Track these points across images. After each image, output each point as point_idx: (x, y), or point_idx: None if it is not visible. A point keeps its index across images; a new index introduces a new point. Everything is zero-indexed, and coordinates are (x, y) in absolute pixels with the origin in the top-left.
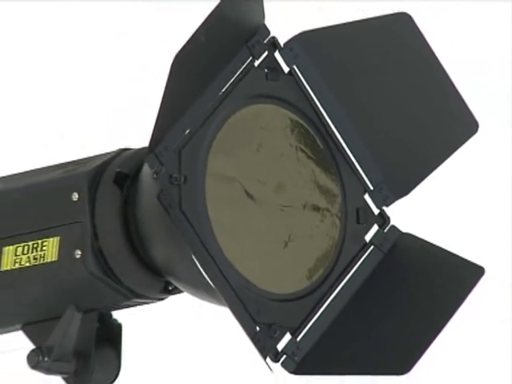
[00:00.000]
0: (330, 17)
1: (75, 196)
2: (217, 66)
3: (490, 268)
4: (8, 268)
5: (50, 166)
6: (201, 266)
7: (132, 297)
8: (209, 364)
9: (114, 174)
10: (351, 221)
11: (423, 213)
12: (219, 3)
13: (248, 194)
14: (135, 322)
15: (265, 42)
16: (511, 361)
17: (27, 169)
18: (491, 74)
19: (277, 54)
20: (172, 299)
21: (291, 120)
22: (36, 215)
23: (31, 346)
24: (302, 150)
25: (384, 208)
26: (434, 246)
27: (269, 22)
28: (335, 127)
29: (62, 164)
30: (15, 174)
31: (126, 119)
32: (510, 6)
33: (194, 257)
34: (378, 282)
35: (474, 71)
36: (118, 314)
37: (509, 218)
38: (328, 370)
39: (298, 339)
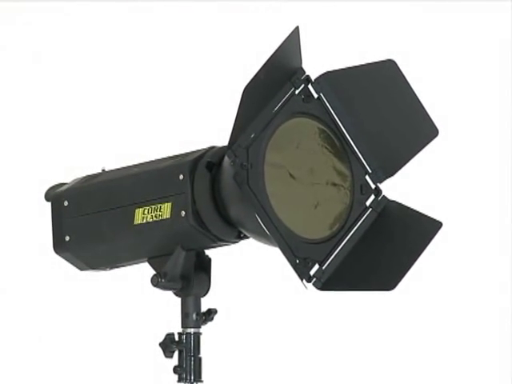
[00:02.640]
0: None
1: (181, 176)
2: (271, 94)
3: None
4: (138, 222)
5: (164, 158)
6: (261, 221)
7: (217, 240)
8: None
9: (206, 163)
10: (357, 192)
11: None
12: (273, 54)
13: (291, 175)
14: (219, 257)
15: (302, 78)
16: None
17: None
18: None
19: (309, 86)
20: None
21: (319, 128)
22: (156, 188)
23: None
24: (326, 147)
25: (378, 184)
26: (410, 208)
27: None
28: (347, 132)
29: (172, 156)
30: (140, 163)
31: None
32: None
33: (256, 215)
34: (374, 232)
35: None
36: (208, 252)
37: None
38: (342, 287)
39: (323, 268)
